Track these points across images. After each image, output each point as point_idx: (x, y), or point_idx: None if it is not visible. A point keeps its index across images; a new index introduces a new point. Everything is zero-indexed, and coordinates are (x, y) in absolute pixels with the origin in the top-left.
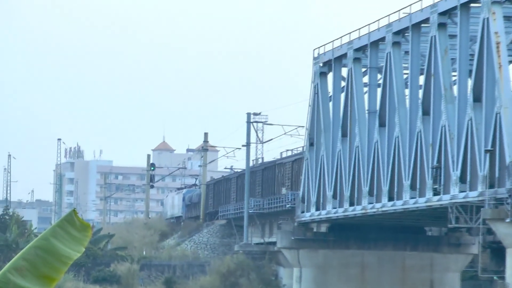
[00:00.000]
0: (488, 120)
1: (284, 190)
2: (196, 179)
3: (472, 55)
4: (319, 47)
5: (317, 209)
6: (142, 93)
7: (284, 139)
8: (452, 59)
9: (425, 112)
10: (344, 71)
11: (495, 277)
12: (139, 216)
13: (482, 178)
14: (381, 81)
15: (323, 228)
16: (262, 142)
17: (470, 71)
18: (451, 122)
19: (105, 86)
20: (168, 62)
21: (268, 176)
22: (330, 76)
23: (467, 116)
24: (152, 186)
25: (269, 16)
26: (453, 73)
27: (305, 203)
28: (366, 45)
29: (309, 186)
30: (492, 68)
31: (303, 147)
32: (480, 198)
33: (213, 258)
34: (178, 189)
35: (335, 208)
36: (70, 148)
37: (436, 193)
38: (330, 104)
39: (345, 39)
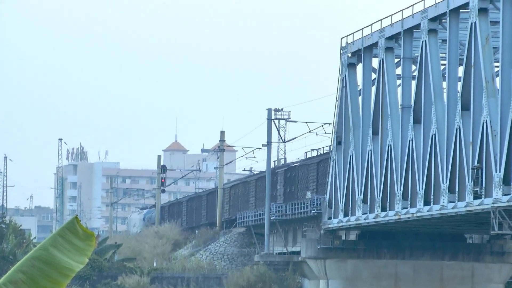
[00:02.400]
0: None
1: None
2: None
3: None
4: (347, 36)
5: (346, 215)
6: (152, 88)
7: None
8: (494, 48)
9: (465, 107)
10: (375, 62)
11: None
12: None
13: None
14: (415, 73)
15: (352, 236)
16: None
17: None
18: (493, 117)
19: (111, 81)
20: (180, 55)
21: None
22: (359, 68)
23: (510, 111)
24: (163, 191)
25: (291, 1)
26: (496, 64)
27: (332, 209)
28: (399, 33)
29: (336, 190)
30: None
31: (329, 146)
32: None
33: (231, 270)
34: (141, 208)
35: (366, 213)
36: (73, 149)
37: (477, 196)
38: (360, 98)
39: (376, 27)
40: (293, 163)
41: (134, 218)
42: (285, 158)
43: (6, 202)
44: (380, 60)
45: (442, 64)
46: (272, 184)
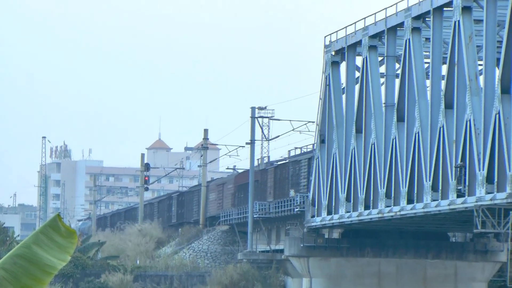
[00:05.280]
0: None
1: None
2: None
3: (500, 41)
4: (330, 34)
5: (329, 213)
6: (136, 86)
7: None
8: (477, 46)
9: (448, 105)
10: (359, 60)
11: None
12: None
13: (511, 178)
14: (399, 71)
15: (336, 234)
16: (268, 140)
17: (498, 59)
18: (477, 116)
19: (94, 79)
20: (164, 53)
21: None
22: (343, 66)
23: (494, 109)
24: (146, 189)
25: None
26: (479, 62)
27: (316, 207)
28: (382, 32)
29: (319, 188)
30: None
31: (313, 144)
32: (509, 200)
33: (214, 268)
34: (78, 220)
35: (349, 212)
36: (56, 147)
37: (460, 194)
38: (343, 97)
39: (360, 25)
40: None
41: None
42: (268, 157)
43: None
44: (363, 59)
45: (426, 63)
46: (262, 182)
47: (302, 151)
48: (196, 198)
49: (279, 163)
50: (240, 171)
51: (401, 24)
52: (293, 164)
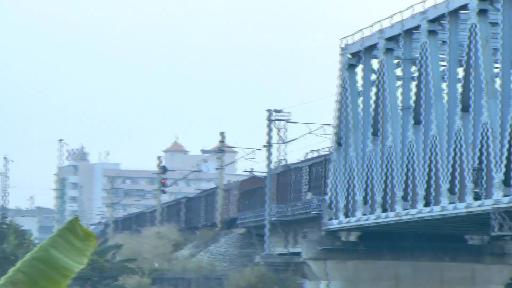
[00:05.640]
0: None
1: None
2: None
3: None
4: (347, 37)
5: (346, 216)
6: (153, 89)
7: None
8: (494, 49)
9: (465, 108)
10: (375, 63)
11: None
12: None
13: None
14: (415, 74)
15: (353, 237)
16: (285, 142)
17: None
18: (494, 119)
19: (112, 82)
20: (181, 56)
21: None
22: (359, 69)
23: (510, 112)
24: (164, 191)
25: (290, 2)
26: (496, 65)
27: (333, 210)
28: (399, 34)
29: (336, 191)
30: None
31: (329, 147)
32: None
33: (231, 271)
34: (90, 225)
35: (366, 214)
36: (73, 149)
37: (477, 197)
38: (360, 99)
39: (376, 28)
40: (293, 164)
41: None
42: (285, 159)
43: (7, 202)
44: (380, 61)
45: (442, 65)
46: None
47: (319, 154)
48: (203, 203)
49: (281, 170)
50: (257, 174)
51: (417, 27)
52: (294, 171)
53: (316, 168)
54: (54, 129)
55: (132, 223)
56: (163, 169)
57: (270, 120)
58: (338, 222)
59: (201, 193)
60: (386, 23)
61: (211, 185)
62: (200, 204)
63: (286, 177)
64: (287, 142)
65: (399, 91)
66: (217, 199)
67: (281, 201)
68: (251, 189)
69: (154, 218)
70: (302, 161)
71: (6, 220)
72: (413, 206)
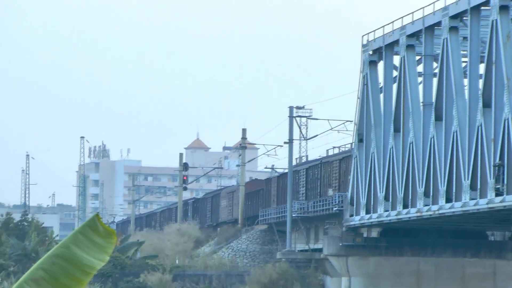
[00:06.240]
0: None
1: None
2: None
3: None
4: (368, 33)
5: (367, 212)
6: (174, 86)
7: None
8: None
9: (486, 104)
10: (396, 60)
11: None
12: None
13: None
14: (437, 70)
15: (374, 233)
16: (306, 139)
17: None
18: None
19: (132, 79)
20: (203, 52)
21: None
22: (380, 65)
23: None
24: (185, 188)
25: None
26: None
27: (354, 206)
28: (420, 31)
29: (358, 187)
30: None
31: (351, 143)
32: None
33: (253, 267)
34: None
35: (387, 211)
36: (95, 147)
37: (498, 193)
38: (381, 96)
39: (397, 24)
40: (315, 160)
41: None
42: (306, 156)
43: (29, 200)
44: (401, 58)
45: (463, 62)
46: (266, 190)
47: (340, 150)
48: (209, 204)
49: (282, 172)
50: (278, 170)
51: (438, 23)
52: (293, 174)
53: (313, 171)
54: (76, 126)
55: (152, 220)
56: (185, 166)
57: (291, 117)
58: (360, 218)
59: (207, 195)
60: (407, 20)
61: (233, 182)
62: (206, 205)
63: (285, 180)
64: (308, 139)
65: (420, 87)
66: (221, 200)
67: (281, 202)
68: (254, 191)
69: (163, 217)
70: (300, 165)
71: (28, 217)
72: (435, 202)
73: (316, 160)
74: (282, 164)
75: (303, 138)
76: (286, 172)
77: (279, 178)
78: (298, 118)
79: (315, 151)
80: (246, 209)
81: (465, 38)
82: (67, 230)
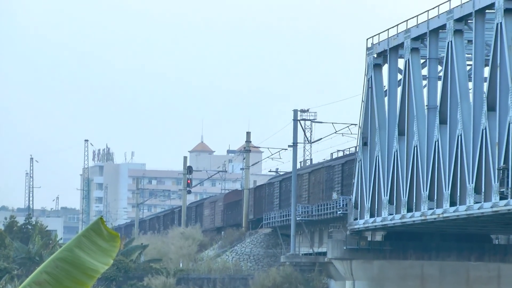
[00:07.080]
0: None
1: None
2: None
3: None
4: (372, 36)
5: (372, 215)
6: (178, 89)
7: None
8: None
9: (491, 108)
10: (401, 63)
11: None
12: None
13: None
14: (441, 74)
15: (379, 237)
16: (311, 142)
17: None
18: None
19: (136, 82)
20: (206, 56)
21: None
22: (385, 69)
23: None
24: (189, 192)
25: (317, 2)
26: None
27: (358, 209)
28: (425, 34)
29: (362, 191)
30: None
31: (355, 147)
32: None
33: (257, 271)
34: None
35: (392, 214)
36: (99, 150)
37: (503, 197)
38: (386, 99)
39: (402, 27)
40: (319, 164)
41: None
42: (311, 159)
43: (33, 203)
44: (406, 61)
45: (468, 65)
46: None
47: (344, 154)
48: (193, 213)
49: (257, 185)
50: (281, 173)
51: (443, 27)
52: (268, 186)
53: (286, 184)
54: (80, 129)
55: (155, 223)
56: (189, 169)
57: (296, 120)
58: (364, 222)
59: (192, 204)
60: (412, 23)
61: (237, 185)
62: (191, 214)
63: (261, 191)
64: (312, 142)
65: (425, 91)
66: (205, 210)
67: (257, 213)
68: (233, 201)
69: (158, 224)
70: (274, 177)
71: (32, 221)
72: (439, 205)
73: (318, 164)
74: (286, 168)
75: (307, 141)
76: (262, 185)
77: (255, 190)
78: (302, 121)
79: (320, 154)
80: (227, 218)
81: (469, 41)
82: (71, 233)
